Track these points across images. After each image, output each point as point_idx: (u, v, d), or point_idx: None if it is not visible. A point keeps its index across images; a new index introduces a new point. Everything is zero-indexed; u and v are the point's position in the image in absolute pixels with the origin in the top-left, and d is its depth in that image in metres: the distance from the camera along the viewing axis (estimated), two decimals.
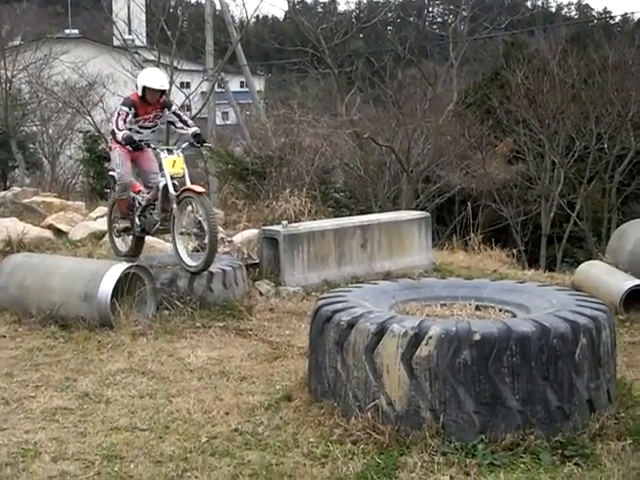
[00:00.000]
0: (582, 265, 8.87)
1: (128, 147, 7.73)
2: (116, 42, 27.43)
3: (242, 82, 33.47)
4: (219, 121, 31.43)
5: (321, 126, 18.36)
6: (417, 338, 4.17)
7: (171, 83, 23.03)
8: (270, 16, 59.62)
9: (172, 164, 7.57)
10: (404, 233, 10.08)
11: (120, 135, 7.62)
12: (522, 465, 3.94)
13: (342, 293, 5.24)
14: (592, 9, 63.71)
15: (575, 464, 3.95)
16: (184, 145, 8.01)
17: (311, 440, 4.32)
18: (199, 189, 7.45)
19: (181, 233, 7.67)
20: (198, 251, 7.91)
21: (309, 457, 4.12)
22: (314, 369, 4.85)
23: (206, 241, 7.30)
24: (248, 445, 4.32)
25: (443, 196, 22.52)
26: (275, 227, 9.44)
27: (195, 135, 8.02)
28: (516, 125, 23.28)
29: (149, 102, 7.85)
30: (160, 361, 6.03)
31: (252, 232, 10.83)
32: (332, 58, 22.20)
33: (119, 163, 7.91)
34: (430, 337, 4.15)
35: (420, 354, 4.16)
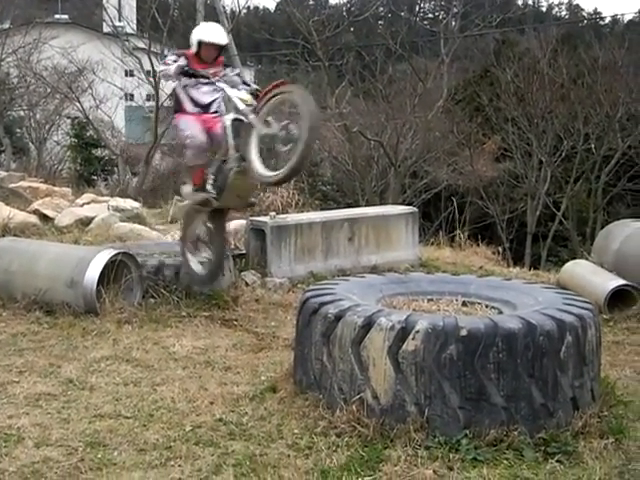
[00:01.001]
0: (568, 264, 8.90)
1: (192, 109, 6.62)
2: (106, 28, 27.29)
3: None
4: None
5: None
6: (404, 332, 4.18)
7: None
8: (261, 7, 59.52)
9: (238, 95, 6.38)
10: (391, 227, 10.08)
11: (172, 67, 6.50)
12: (505, 461, 3.96)
13: (329, 286, 5.24)
14: (582, 9, 63.83)
15: (557, 461, 3.96)
16: (248, 88, 6.61)
17: (295, 431, 4.32)
18: (281, 81, 6.27)
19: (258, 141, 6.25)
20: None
21: (293, 448, 4.12)
22: (300, 361, 4.85)
23: (299, 135, 5.75)
24: (232, 435, 4.31)
25: (430, 192, 22.59)
26: (262, 218, 9.42)
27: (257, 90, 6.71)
28: (505, 123, 23.38)
29: (205, 60, 6.72)
30: (145, 349, 6.01)
31: (239, 223, 10.80)
32: (323, 51, 22.21)
33: (186, 127, 6.61)
34: (417, 331, 4.16)
35: (407, 348, 4.17)
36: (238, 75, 6.93)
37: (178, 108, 6.78)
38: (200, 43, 6.68)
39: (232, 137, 6.36)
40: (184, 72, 6.52)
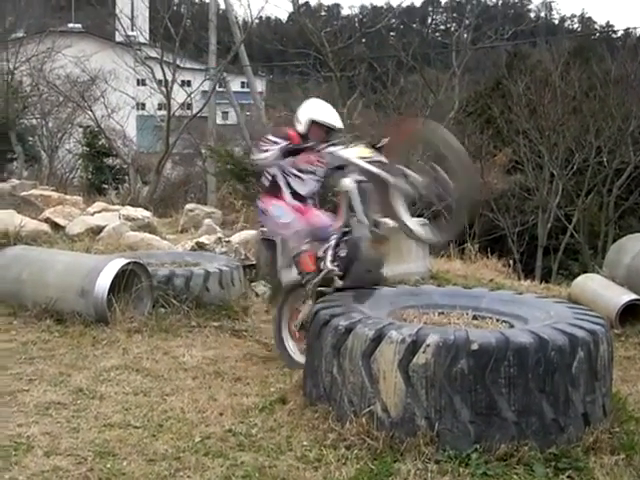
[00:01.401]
0: (579, 278, 8.87)
1: (290, 200, 6.06)
2: (119, 38, 27.43)
3: (243, 82, 33.48)
4: (219, 120, 31.44)
5: None
6: (415, 345, 4.17)
7: (173, 81, 23.09)
8: (273, 17, 59.77)
9: (354, 152, 5.58)
10: (402, 239, 10.04)
11: (263, 155, 5.87)
12: (515, 476, 3.93)
13: (340, 297, 5.23)
14: (595, 22, 63.97)
15: (568, 477, 3.94)
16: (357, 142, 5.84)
17: (305, 444, 4.30)
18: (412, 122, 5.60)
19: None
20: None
21: (302, 460, 4.11)
22: (310, 372, 4.84)
23: (454, 189, 4.88)
24: (241, 446, 4.30)
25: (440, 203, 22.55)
26: None
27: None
28: (516, 135, 23.36)
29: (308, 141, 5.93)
30: (155, 359, 6.01)
31: (250, 233, 10.83)
32: (335, 62, 22.25)
33: (281, 214, 6.00)
34: (428, 345, 4.14)
35: (417, 362, 4.15)
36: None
37: (271, 191, 6.12)
38: (313, 123, 5.92)
39: (359, 202, 5.59)
40: (287, 151, 5.80)
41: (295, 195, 6.10)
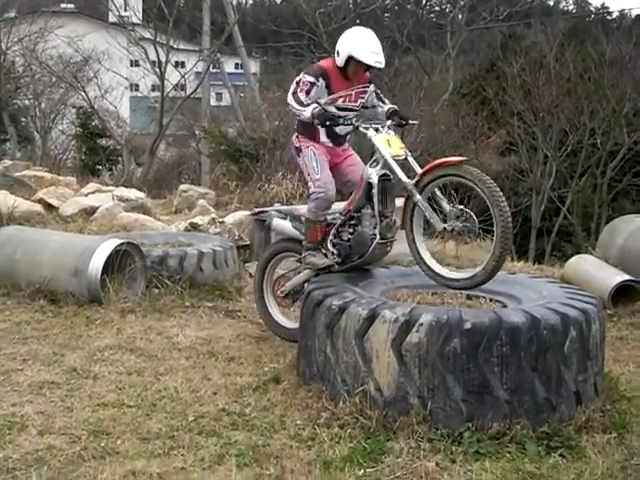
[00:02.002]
0: (572, 259, 8.88)
1: (325, 140, 5.64)
2: (112, 18, 27.29)
3: (237, 64, 33.39)
4: (213, 102, 31.35)
5: None
6: (408, 325, 4.18)
7: (167, 62, 22.98)
8: None
9: (387, 143, 5.26)
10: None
11: (308, 111, 5.33)
12: (507, 454, 3.96)
13: (333, 277, 5.24)
14: (590, 4, 63.57)
15: (560, 455, 3.97)
16: (389, 122, 5.47)
17: (298, 422, 4.33)
18: (457, 158, 5.01)
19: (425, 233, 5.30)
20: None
21: (296, 439, 4.13)
22: (303, 352, 4.85)
23: (495, 235, 4.75)
24: (235, 425, 4.32)
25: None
26: (267, 209, 9.40)
27: (394, 112, 5.69)
28: (510, 117, 23.30)
29: (348, 77, 5.58)
30: (149, 339, 6.02)
31: (243, 214, 10.82)
32: (329, 43, 22.15)
33: (315, 166, 5.53)
34: (421, 324, 4.16)
35: (410, 341, 4.16)
36: (376, 94, 5.79)
37: (305, 132, 5.65)
38: (350, 59, 5.44)
39: (378, 198, 5.32)
40: (324, 116, 5.34)
41: (332, 135, 5.65)
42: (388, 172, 5.27)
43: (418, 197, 4.99)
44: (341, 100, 5.54)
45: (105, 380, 5.03)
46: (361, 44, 5.40)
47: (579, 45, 24.29)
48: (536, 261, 14.67)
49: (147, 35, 24.45)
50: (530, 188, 23.33)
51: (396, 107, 5.75)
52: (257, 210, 7.42)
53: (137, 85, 29.85)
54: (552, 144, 22.38)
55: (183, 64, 27.46)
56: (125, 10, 27.50)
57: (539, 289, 4.97)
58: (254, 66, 32.86)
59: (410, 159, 5.25)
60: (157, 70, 23.33)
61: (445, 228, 4.96)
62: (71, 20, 30.33)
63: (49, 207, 11.46)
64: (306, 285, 5.77)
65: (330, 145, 5.67)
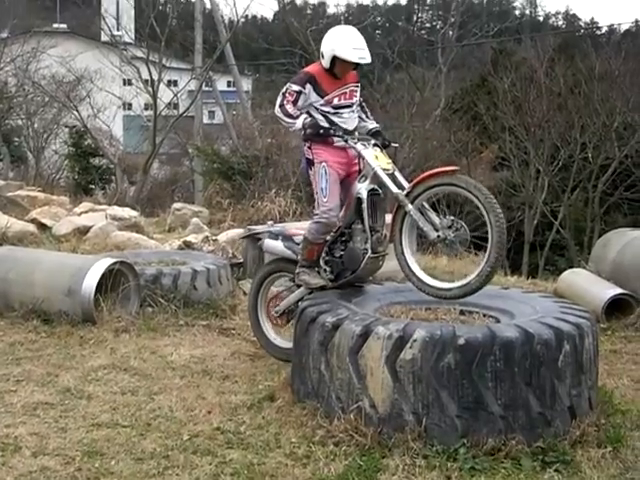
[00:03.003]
0: (565, 273, 8.91)
1: (334, 162, 5.39)
2: (104, 38, 27.36)
3: (230, 81, 33.43)
4: (206, 120, 31.40)
5: None
6: (402, 341, 4.18)
7: (159, 81, 23.04)
8: (259, 16, 59.59)
9: (375, 157, 5.27)
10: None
11: (299, 123, 5.30)
12: (503, 470, 3.96)
13: (327, 294, 5.24)
14: (579, 19, 64.08)
15: (555, 470, 3.97)
16: (373, 141, 5.42)
17: (293, 440, 4.32)
18: (449, 167, 5.02)
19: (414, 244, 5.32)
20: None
21: (291, 457, 4.12)
22: (297, 369, 4.85)
23: (490, 241, 4.76)
24: (230, 444, 4.31)
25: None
26: (260, 227, 9.41)
27: (377, 132, 5.65)
28: (502, 132, 23.37)
29: (337, 76, 5.45)
30: (142, 358, 6.00)
31: (237, 231, 10.83)
32: None
33: (324, 188, 5.35)
34: (415, 340, 4.16)
35: (404, 357, 4.17)
36: (361, 106, 5.72)
37: (315, 137, 5.41)
38: (335, 59, 5.32)
39: (368, 213, 5.30)
40: (316, 126, 5.33)
41: (344, 132, 5.40)
42: (377, 187, 5.29)
43: (410, 207, 4.97)
44: (336, 99, 5.44)
45: (99, 400, 5.01)
46: (343, 42, 5.31)
47: (569, 60, 24.41)
48: (529, 275, 14.68)
49: (139, 54, 24.53)
50: (523, 203, 23.37)
51: (379, 127, 5.71)
52: (248, 233, 7.40)
53: (130, 104, 29.93)
54: (544, 158, 22.44)
55: (176, 83, 27.54)
56: (117, 29, 27.62)
57: (532, 304, 4.98)
58: (246, 84, 32.95)
59: (397, 174, 5.24)
60: (150, 89, 23.39)
61: (438, 236, 4.92)
62: (63, 40, 30.41)
63: (42, 227, 11.46)
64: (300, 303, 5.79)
65: (342, 145, 5.40)
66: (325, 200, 5.37)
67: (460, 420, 4.10)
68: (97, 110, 26.02)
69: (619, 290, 7.55)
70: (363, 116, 5.71)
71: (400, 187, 5.13)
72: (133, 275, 7.15)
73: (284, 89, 5.42)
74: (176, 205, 14.56)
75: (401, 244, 5.15)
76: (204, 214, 14.11)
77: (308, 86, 5.38)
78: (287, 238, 5.99)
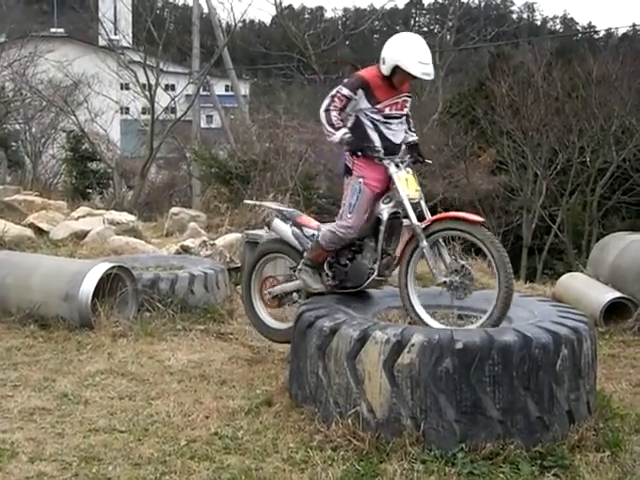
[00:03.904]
0: (563, 277, 8.91)
1: (378, 146, 5.18)
2: (102, 42, 27.40)
3: (227, 86, 33.49)
4: (203, 124, 31.43)
5: (306, 132, 18.38)
6: (399, 345, 4.17)
7: (157, 85, 23.06)
8: (257, 21, 59.65)
9: (406, 182, 5.10)
10: None
11: (337, 136, 5.10)
12: (501, 475, 3.94)
13: (325, 298, 5.24)
14: (577, 23, 64.29)
15: (554, 475, 3.96)
16: (407, 159, 5.27)
17: (291, 445, 4.31)
18: (475, 217, 4.84)
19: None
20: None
21: (288, 462, 4.11)
22: (295, 374, 4.84)
23: (496, 299, 4.67)
24: (227, 449, 4.29)
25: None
26: (258, 231, 9.40)
27: (414, 146, 5.43)
28: (500, 136, 23.43)
29: (394, 85, 5.20)
30: (140, 363, 5.98)
31: (235, 236, 10.83)
32: (318, 64, 22.29)
33: (353, 204, 5.18)
34: (412, 345, 4.15)
35: (402, 361, 4.16)
36: (406, 117, 5.43)
37: (359, 149, 5.20)
38: (396, 69, 5.06)
39: (384, 237, 5.20)
40: (355, 144, 5.15)
41: (389, 145, 5.22)
42: (399, 211, 5.16)
43: (425, 243, 4.89)
44: (388, 109, 5.20)
45: (96, 405, 4.99)
46: (409, 53, 5.02)
47: (566, 64, 24.48)
48: (528, 279, 14.71)
49: (137, 58, 24.54)
50: (521, 207, 23.42)
51: (417, 140, 5.49)
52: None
53: (127, 108, 29.93)
54: (542, 162, 22.50)
55: (173, 87, 27.56)
56: (115, 34, 27.63)
57: (530, 308, 4.98)
58: (244, 88, 32.97)
59: (422, 202, 5.11)
60: (147, 93, 23.40)
61: (445, 282, 4.86)
62: (61, 44, 30.37)
63: (40, 231, 11.43)
64: (294, 294, 5.88)
65: (386, 156, 5.17)
66: (349, 216, 5.21)
67: (458, 424, 4.09)
68: (94, 114, 26.04)
69: (617, 294, 7.55)
70: (406, 127, 5.46)
71: (421, 217, 5.01)
72: (130, 280, 7.14)
73: (334, 91, 5.19)
74: (174, 209, 14.54)
75: (406, 276, 5.04)
76: (202, 218, 14.10)
77: (360, 92, 5.13)
78: (297, 225, 5.86)
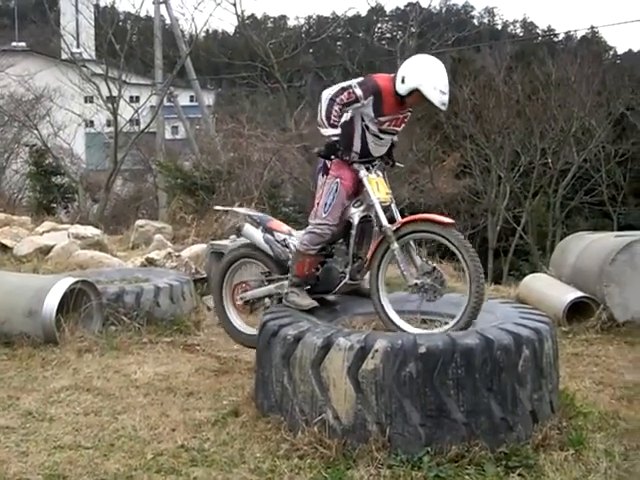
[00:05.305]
0: (526, 278, 9.00)
1: (357, 151, 5.19)
2: (64, 55, 27.13)
3: (192, 96, 33.40)
4: (168, 135, 31.30)
5: (270, 140, 18.40)
6: (363, 352, 4.19)
7: (119, 97, 22.92)
8: (220, 30, 59.52)
9: (376, 185, 5.13)
10: None
11: (327, 132, 5.06)
12: (467, 476, 3.97)
13: (289, 307, 5.24)
14: (537, 27, 65.08)
15: (519, 475, 4.00)
16: (378, 162, 5.30)
17: (258, 455, 4.30)
18: (445, 219, 4.84)
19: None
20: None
21: (256, 472, 4.10)
22: (261, 384, 4.84)
23: (467, 296, 4.73)
24: (194, 461, 4.28)
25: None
26: (223, 242, 9.40)
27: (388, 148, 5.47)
28: (463, 140, 23.63)
29: (404, 103, 5.14)
30: (106, 378, 5.94)
31: (200, 247, 10.81)
32: (281, 73, 22.35)
33: (328, 203, 5.16)
34: (376, 350, 4.17)
35: (366, 367, 4.18)
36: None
37: (333, 154, 5.19)
38: (415, 92, 4.99)
39: (355, 241, 5.22)
40: (333, 149, 5.13)
41: (366, 155, 5.22)
42: (370, 214, 5.16)
43: (395, 245, 4.88)
44: (387, 124, 5.17)
45: (61, 422, 4.94)
46: (432, 80, 4.96)
47: (526, 67, 24.79)
48: (494, 281, 14.82)
49: (99, 71, 24.38)
50: (485, 209, 23.63)
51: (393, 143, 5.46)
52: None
53: (92, 121, 29.70)
54: (505, 165, 22.74)
55: (138, 98, 27.40)
56: (77, 47, 27.42)
57: (493, 310, 5.02)
58: (208, 98, 32.87)
59: (393, 206, 5.14)
60: (110, 106, 23.26)
61: (416, 284, 4.90)
62: (22, 58, 30.06)
63: (3, 247, 11.33)
64: (266, 299, 5.88)
65: (359, 164, 5.17)
66: (324, 215, 5.18)
67: (423, 428, 4.12)
68: (57, 128, 25.79)
69: (579, 293, 7.65)
70: (392, 140, 5.44)
71: (391, 220, 5.02)
72: (95, 294, 7.09)
73: (346, 84, 5.08)
74: (139, 222, 14.46)
75: (377, 279, 5.03)
76: (168, 230, 14.05)
77: (370, 99, 5.04)
78: (268, 230, 5.88)
